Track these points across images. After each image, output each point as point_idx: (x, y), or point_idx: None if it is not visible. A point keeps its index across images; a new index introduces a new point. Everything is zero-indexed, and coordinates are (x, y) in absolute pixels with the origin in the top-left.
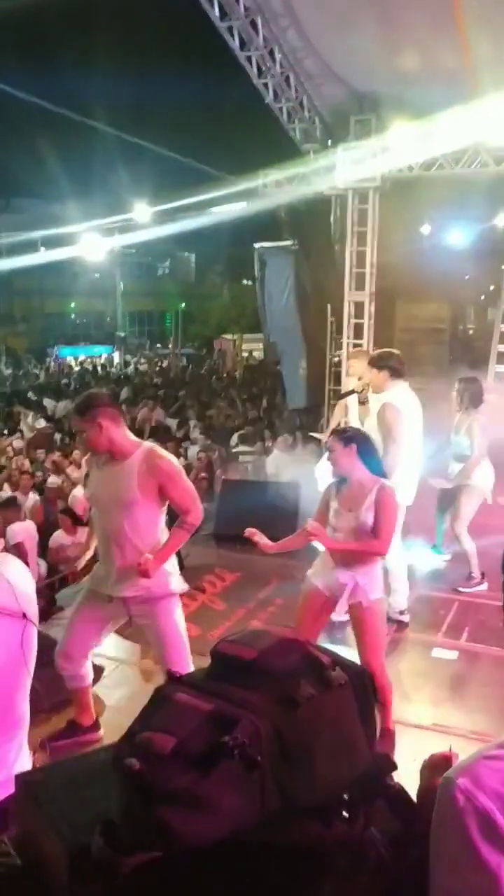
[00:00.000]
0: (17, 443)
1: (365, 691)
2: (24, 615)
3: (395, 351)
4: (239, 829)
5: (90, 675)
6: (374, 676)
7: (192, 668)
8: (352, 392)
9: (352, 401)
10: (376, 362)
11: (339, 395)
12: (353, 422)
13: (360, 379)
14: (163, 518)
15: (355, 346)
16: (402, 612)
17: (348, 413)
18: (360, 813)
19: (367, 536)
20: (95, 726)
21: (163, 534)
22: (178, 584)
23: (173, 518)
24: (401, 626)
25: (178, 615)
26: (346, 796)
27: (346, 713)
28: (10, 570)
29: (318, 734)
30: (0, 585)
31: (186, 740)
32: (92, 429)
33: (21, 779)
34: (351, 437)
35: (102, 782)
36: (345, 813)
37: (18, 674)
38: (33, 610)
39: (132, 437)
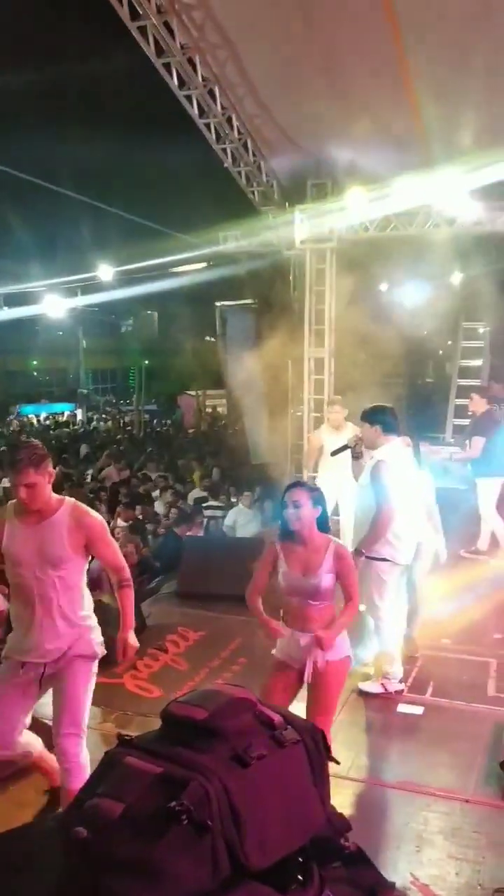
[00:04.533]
0: None
1: (318, 750)
2: None
3: (388, 405)
4: None
5: (34, 743)
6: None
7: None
8: (345, 447)
9: (344, 456)
10: (368, 417)
11: (334, 452)
12: (343, 476)
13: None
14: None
15: (316, 401)
16: (401, 681)
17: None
18: (315, 875)
19: (321, 597)
20: None
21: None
22: (99, 647)
23: None
24: (398, 693)
25: (89, 685)
26: (300, 858)
27: (298, 773)
28: None
29: (270, 794)
30: None
31: (134, 805)
32: (42, 481)
33: None
34: (319, 500)
35: (51, 852)
36: (299, 876)
37: None
38: None
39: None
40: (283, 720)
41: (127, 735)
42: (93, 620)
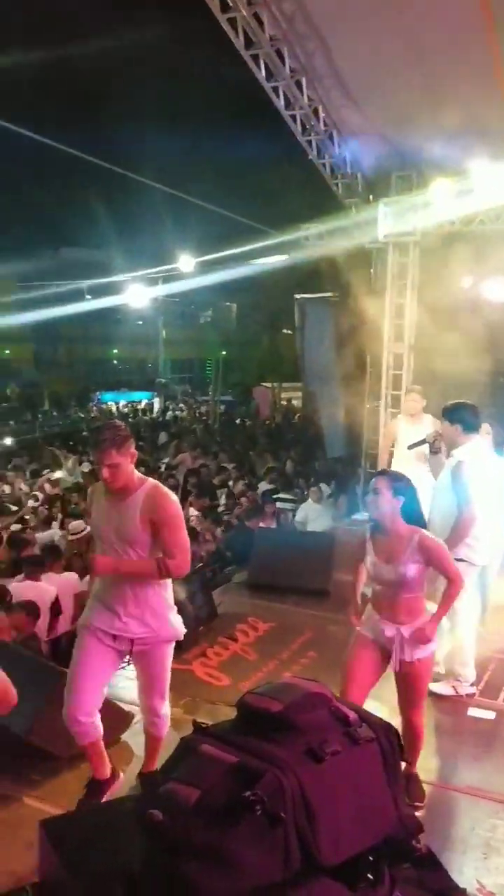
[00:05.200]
0: (48, 485)
1: (392, 750)
2: None
3: (469, 402)
4: (261, 888)
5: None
6: (415, 734)
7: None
8: (423, 442)
9: (421, 452)
10: (447, 414)
11: (411, 445)
12: (420, 472)
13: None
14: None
15: (394, 397)
16: (473, 684)
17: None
18: (386, 875)
19: (408, 588)
20: (116, 775)
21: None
22: (181, 629)
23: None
24: (469, 697)
25: (170, 661)
26: (371, 857)
27: (373, 771)
28: None
29: (343, 791)
30: None
31: (209, 793)
32: (125, 462)
33: (45, 826)
34: (401, 490)
35: (125, 832)
36: (369, 875)
37: None
38: None
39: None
40: (357, 717)
41: (202, 723)
42: (172, 603)
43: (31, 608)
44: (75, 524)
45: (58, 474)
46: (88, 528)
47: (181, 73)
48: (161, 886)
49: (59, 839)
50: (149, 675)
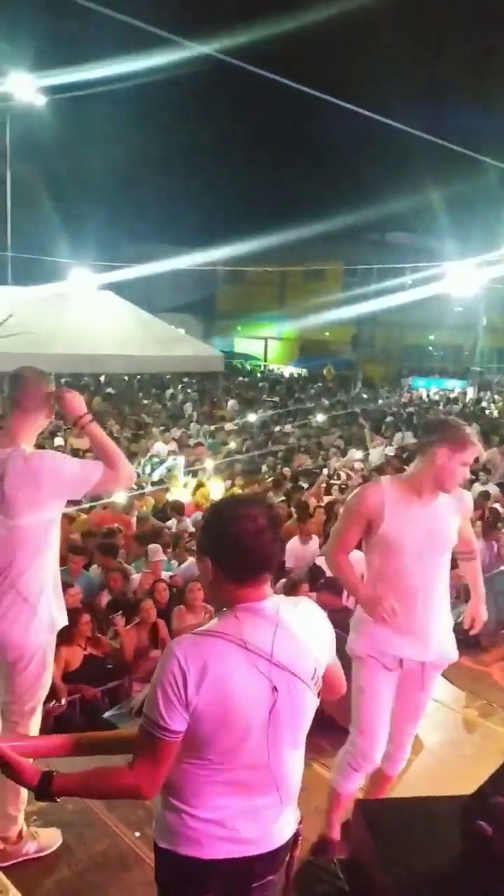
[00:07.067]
0: (358, 464)
1: None
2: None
3: None
4: None
5: None
6: None
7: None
8: None
9: None
10: None
11: None
12: None
13: None
14: None
15: None
16: None
17: None
18: None
19: None
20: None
21: None
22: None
23: None
24: None
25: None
26: None
27: None
28: (289, 617)
29: None
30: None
31: None
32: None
33: (360, 806)
34: None
35: (441, 833)
36: None
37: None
38: (300, 665)
39: None
40: None
41: None
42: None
43: (333, 586)
44: None
45: (359, 454)
46: None
47: None
48: None
49: (375, 824)
50: (413, 702)
